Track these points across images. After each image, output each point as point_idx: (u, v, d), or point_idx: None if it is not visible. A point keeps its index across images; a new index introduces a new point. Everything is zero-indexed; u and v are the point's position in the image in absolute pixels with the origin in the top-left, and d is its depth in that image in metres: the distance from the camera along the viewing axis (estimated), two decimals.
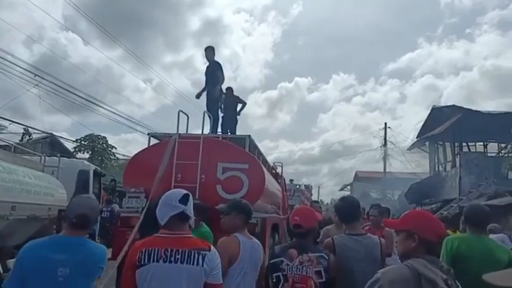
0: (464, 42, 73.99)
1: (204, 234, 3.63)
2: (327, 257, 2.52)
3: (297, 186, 21.48)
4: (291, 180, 20.39)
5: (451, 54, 74.68)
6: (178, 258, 2.01)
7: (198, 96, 8.43)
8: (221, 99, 8.55)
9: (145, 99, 60.46)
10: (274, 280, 2.58)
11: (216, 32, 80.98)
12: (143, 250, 2.02)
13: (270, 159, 9.52)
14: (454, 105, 17.37)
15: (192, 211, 2.16)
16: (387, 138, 29.83)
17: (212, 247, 2.15)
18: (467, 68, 72.12)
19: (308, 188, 25.58)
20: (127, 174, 6.13)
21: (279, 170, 9.98)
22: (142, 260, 2.00)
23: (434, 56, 76.62)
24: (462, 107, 16.79)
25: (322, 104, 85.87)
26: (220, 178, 5.80)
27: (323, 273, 2.47)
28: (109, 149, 25.93)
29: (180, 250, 2.02)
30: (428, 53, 77.14)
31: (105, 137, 26.08)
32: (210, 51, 8.42)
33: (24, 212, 5.50)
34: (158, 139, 6.72)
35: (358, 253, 2.67)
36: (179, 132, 6.24)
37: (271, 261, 2.65)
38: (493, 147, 18.02)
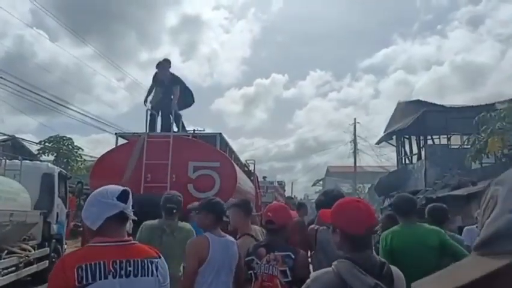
0: (436, 38, 76.83)
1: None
2: (293, 256, 2.49)
3: (271, 183, 21.57)
4: (264, 178, 20.45)
5: (424, 50, 77.35)
6: (130, 271, 1.65)
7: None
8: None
9: (118, 98, 58.71)
10: (249, 277, 2.60)
11: (194, 29, 79.91)
12: (82, 266, 1.58)
13: (245, 156, 9.56)
14: (418, 100, 18.02)
15: (132, 212, 1.77)
16: (358, 133, 30.70)
17: (160, 254, 1.84)
18: (438, 63, 75.02)
19: (281, 184, 25.75)
20: (94, 176, 5.95)
21: (251, 167, 10.01)
22: (84, 279, 1.56)
23: (408, 52, 79.14)
24: (426, 102, 17.45)
25: (298, 100, 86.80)
26: (191, 177, 5.75)
27: (288, 273, 2.45)
28: (75, 150, 25.03)
29: (131, 261, 1.67)
30: (402, 49, 79.64)
31: (71, 138, 25.15)
32: (166, 65, 7.51)
33: None
34: (126, 139, 6.56)
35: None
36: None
37: (246, 260, 2.67)
38: (456, 140, 18.82)
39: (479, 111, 12.16)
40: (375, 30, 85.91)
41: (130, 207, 1.75)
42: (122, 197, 1.72)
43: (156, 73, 7.63)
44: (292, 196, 24.82)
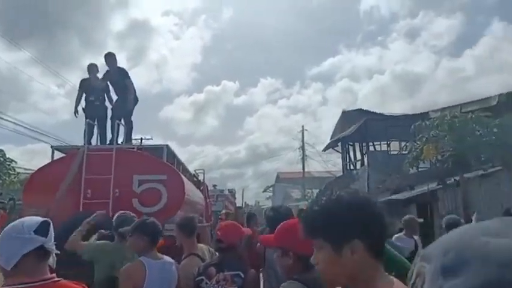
0: (377, 49, 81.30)
1: None
2: (243, 276, 2.47)
3: (221, 191, 21.38)
4: (215, 186, 20.20)
5: (367, 59, 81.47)
6: None
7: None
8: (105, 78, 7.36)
9: (57, 106, 55.05)
10: None
11: (142, 34, 77.66)
12: None
13: (195, 164, 9.40)
14: (360, 109, 19.06)
15: (54, 245, 1.57)
16: (306, 140, 31.57)
17: None
18: (380, 72, 79.46)
19: (232, 192, 25.62)
20: (27, 193, 5.49)
21: (200, 177, 9.83)
22: None
23: (352, 61, 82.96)
24: (368, 111, 18.50)
25: (249, 107, 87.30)
26: (136, 191, 5.49)
27: None
28: (8, 163, 23.02)
29: None
30: (347, 59, 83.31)
31: (2, 150, 23.08)
32: (112, 58, 7.24)
33: None
34: (63, 152, 6.14)
35: None
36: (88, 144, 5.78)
37: (195, 280, 2.59)
38: (395, 146, 20.00)
39: (415, 120, 13.01)
40: (323, 40, 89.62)
41: (52, 240, 1.55)
42: (41, 229, 1.51)
43: (84, 79, 7.30)
44: (243, 203, 24.79)
